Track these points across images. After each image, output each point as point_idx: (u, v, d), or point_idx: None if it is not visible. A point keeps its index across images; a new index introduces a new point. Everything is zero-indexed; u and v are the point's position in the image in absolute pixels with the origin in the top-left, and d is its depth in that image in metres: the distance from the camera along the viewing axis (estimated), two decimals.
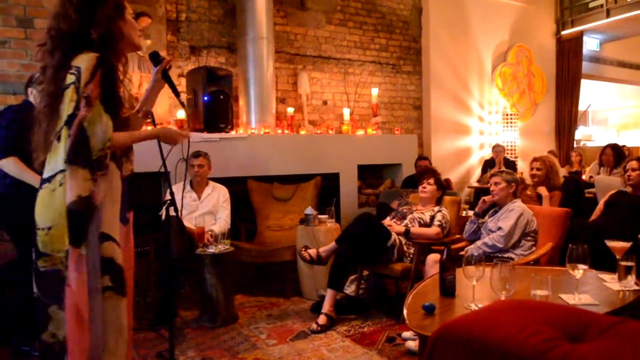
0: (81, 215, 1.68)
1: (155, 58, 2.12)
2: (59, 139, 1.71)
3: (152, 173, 4.04)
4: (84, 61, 1.69)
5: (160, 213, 3.76)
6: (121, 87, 1.86)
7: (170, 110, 4.87)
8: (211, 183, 4.07)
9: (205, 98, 4.46)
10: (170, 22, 4.92)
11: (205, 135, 4.42)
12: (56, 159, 1.72)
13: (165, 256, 3.13)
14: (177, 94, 2.21)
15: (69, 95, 1.67)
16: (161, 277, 3.56)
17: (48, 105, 1.76)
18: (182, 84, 4.95)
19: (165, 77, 2.13)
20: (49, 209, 1.72)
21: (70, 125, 1.65)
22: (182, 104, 2.29)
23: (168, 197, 2.46)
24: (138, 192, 4.27)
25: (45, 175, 1.75)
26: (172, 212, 2.48)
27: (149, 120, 2.28)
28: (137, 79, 4.57)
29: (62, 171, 1.69)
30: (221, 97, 4.56)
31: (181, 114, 4.62)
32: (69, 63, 1.71)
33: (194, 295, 3.87)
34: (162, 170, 2.29)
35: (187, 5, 5.00)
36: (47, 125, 1.76)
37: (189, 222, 3.73)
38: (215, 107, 4.52)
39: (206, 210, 3.93)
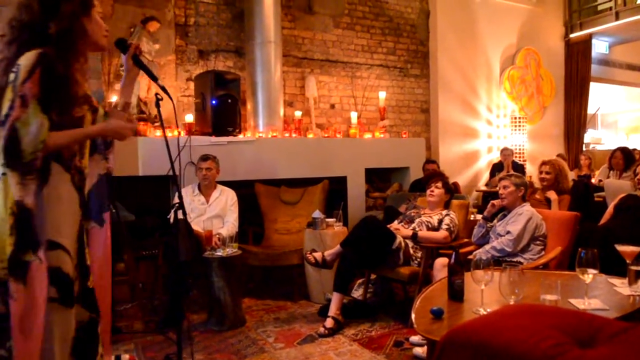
0: (19, 221, 1.56)
1: (121, 45, 1.99)
2: None
3: (160, 176, 4.08)
4: (25, 59, 1.59)
5: (168, 216, 3.78)
6: (75, 85, 1.73)
7: (178, 113, 4.89)
8: (219, 186, 4.08)
9: (214, 102, 4.48)
10: (178, 27, 4.95)
11: (213, 138, 4.44)
12: None
13: (174, 259, 3.15)
14: (154, 78, 2.08)
15: (7, 94, 1.58)
16: (169, 280, 3.58)
17: None
18: (190, 88, 4.98)
19: (137, 63, 1.99)
20: None
21: (4, 126, 1.55)
22: (161, 87, 2.09)
23: (176, 200, 2.47)
24: (146, 196, 4.33)
25: None
26: (180, 216, 2.48)
27: (157, 123, 2.23)
28: (145, 83, 4.60)
29: (3, 174, 1.58)
30: (229, 100, 4.58)
31: (189, 117, 4.64)
32: (18, 56, 1.62)
33: (202, 298, 3.87)
34: (171, 173, 2.28)
35: (195, 10, 5.03)
36: None
37: (197, 225, 3.75)
38: (223, 110, 4.54)
39: (214, 214, 3.95)
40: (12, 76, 1.58)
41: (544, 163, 4.10)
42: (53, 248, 1.66)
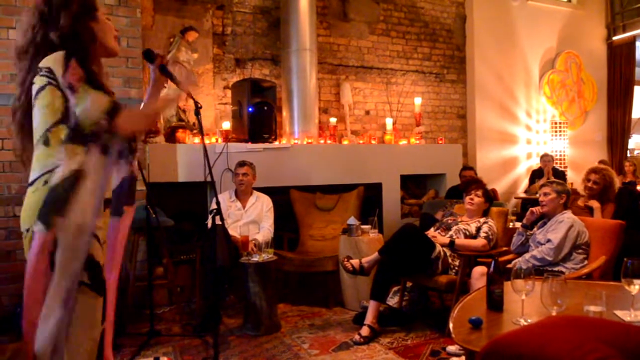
0: (65, 191, 1.57)
1: (149, 56, 2.00)
2: (45, 142, 1.63)
3: (197, 183, 4.17)
4: (50, 58, 1.60)
5: (206, 222, 3.85)
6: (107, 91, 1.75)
7: (215, 121, 4.99)
8: (255, 193, 4.13)
9: (250, 109, 4.55)
10: (216, 36, 5.05)
11: (250, 145, 4.50)
12: (44, 162, 1.63)
13: (211, 264, 3.19)
14: (177, 83, 2.05)
15: (49, 95, 1.60)
16: (206, 285, 3.63)
17: (22, 116, 1.72)
18: (227, 96, 5.07)
19: (164, 72, 1.99)
20: (27, 212, 1.64)
21: (67, 121, 1.59)
22: (195, 103, 2.15)
23: (214, 206, 2.51)
24: (185, 201, 4.42)
25: (30, 179, 1.66)
26: (218, 221, 2.52)
27: (195, 130, 2.28)
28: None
29: (48, 172, 1.61)
30: (265, 108, 4.63)
31: (226, 124, 4.72)
32: (34, 68, 1.64)
33: (238, 303, 3.92)
34: (209, 179, 2.32)
35: (232, 19, 5.13)
36: (23, 133, 1.72)
37: (233, 231, 3.80)
38: (259, 118, 4.60)
39: (250, 219, 4.00)
40: (44, 79, 1.60)
41: (593, 171, 3.91)
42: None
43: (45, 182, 1.62)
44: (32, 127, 1.66)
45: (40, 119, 1.63)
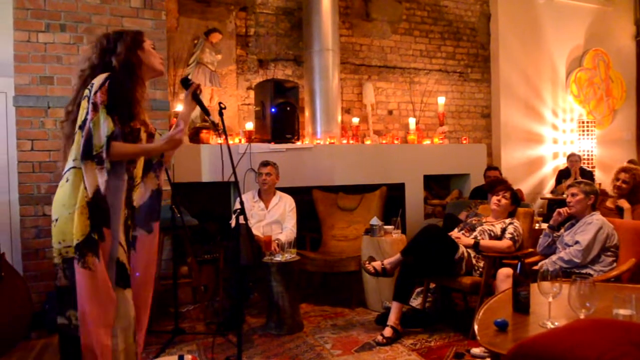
0: (98, 206, 1.93)
1: (185, 83, 2.37)
2: (74, 140, 2.01)
3: (221, 183, 4.20)
4: (97, 78, 2.00)
5: (230, 221, 3.89)
6: (136, 104, 2.10)
7: (239, 121, 5.03)
8: (278, 193, 4.14)
9: (273, 110, 4.57)
10: (239, 37, 5.09)
11: (272, 146, 4.52)
12: (70, 159, 2.00)
13: (235, 263, 3.22)
14: (207, 113, 2.39)
15: (83, 105, 1.97)
16: (230, 284, 3.66)
17: (68, 121, 2.10)
18: (250, 97, 5.10)
19: (195, 99, 2.36)
20: (56, 203, 1.97)
21: (83, 128, 1.94)
22: (212, 123, 2.46)
23: (238, 205, 2.53)
24: (208, 201, 4.47)
25: (63, 172, 2.03)
26: (242, 220, 2.54)
27: (220, 130, 2.42)
28: (208, 92, 4.77)
29: (70, 168, 1.97)
30: (288, 108, 4.65)
31: (249, 125, 4.76)
32: (89, 83, 2.02)
33: (261, 302, 3.94)
34: (232, 179, 2.36)
35: (255, 21, 5.16)
36: (67, 138, 2.09)
37: (256, 231, 3.82)
38: (282, 118, 4.62)
39: (273, 219, 4.01)
40: (87, 92, 1.98)
41: (623, 170, 3.85)
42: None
43: (67, 179, 1.96)
44: (69, 133, 2.07)
45: (77, 123, 2.00)
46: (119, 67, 2.08)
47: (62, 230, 1.92)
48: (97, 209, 1.92)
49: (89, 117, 1.93)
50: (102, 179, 1.93)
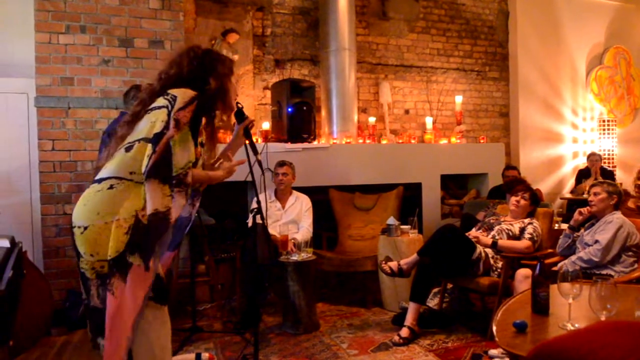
0: (154, 229, 1.72)
1: (239, 116, 2.29)
2: (128, 149, 1.82)
3: (237, 182, 4.22)
4: (182, 92, 1.86)
5: (247, 221, 3.90)
6: (202, 134, 2.03)
7: (255, 121, 5.04)
8: (295, 192, 4.15)
9: (289, 109, 4.57)
10: (256, 37, 5.11)
11: (289, 145, 4.53)
12: (117, 166, 1.81)
13: (251, 262, 3.23)
14: (255, 151, 2.34)
15: (159, 115, 1.80)
16: (247, 283, 3.68)
17: (128, 122, 1.92)
18: (267, 96, 5.12)
19: (246, 135, 2.31)
20: (87, 207, 1.75)
21: (156, 143, 1.75)
22: (258, 162, 2.37)
23: (255, 205, 2.54)
24: (225, 200, 4.49)
25: (98, 177, 1.83)
26: (259, 220, 2.55)
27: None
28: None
29: (117, 178, 1.78)
30: (304, 108, 4.65)
31: (266, 125, 4.77)
32: (165, 91, 1.89)
33: (278, 301, 3.95)
34: (250, 179, 2.36)
35: (272, 21, 5.17)
36: (121, 137, 1.91)
37: (273, 230, 3.83)
38: (298, 118, 4.62)
39: (290, 219, 4.02)
40: (165, 102, 1.83)
41: None
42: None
43: (111, 186, 1.76)
44: (124, 133, 1.89)
45: (139, 130, 1.84)
46: (214, 89, 1.99)
47: (95, 241, 1.71)
48: (143, 231, 1.72)
49: (167, 132, 1.76)
50: (179, 203, 1.77)
